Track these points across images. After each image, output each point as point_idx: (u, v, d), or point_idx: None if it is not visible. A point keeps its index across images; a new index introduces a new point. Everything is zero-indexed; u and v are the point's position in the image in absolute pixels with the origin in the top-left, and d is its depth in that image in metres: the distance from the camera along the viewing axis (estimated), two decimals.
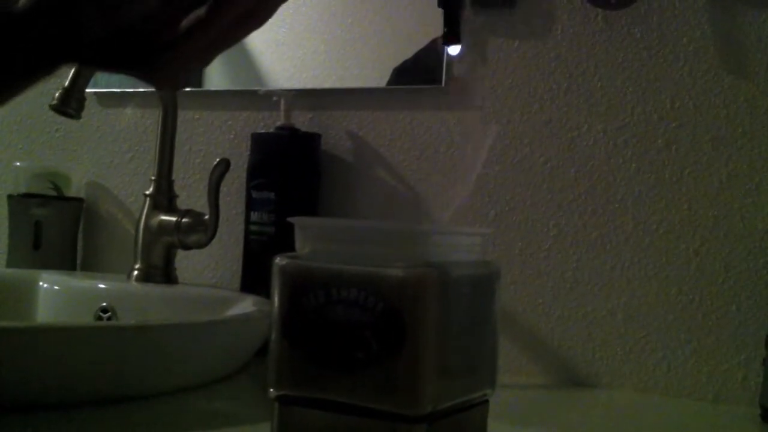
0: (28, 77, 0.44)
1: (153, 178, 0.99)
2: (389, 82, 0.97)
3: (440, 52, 0.94)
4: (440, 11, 0.93)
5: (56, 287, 1.01)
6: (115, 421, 0.62)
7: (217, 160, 0.95)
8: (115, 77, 1.12)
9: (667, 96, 0.84)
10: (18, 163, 1.17)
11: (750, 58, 0.81)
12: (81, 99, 0.94)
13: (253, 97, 1.03)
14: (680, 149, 0.84)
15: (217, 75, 1.07)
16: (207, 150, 1.09)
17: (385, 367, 0.47)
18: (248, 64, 1.04)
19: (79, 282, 1.02)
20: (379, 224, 0.60)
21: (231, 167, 0.95)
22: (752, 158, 0.81)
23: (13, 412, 0.59)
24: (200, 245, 0.96)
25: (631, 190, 0.85)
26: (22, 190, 1.13)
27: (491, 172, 0.90)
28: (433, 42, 0.94)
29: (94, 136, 1.18)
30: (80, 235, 1.16)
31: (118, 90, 1.15)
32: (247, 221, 0.97)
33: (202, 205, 0.98)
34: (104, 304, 0.95)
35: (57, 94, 0.93)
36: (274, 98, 1.00)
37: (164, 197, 0.98)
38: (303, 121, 1.01)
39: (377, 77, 0.98)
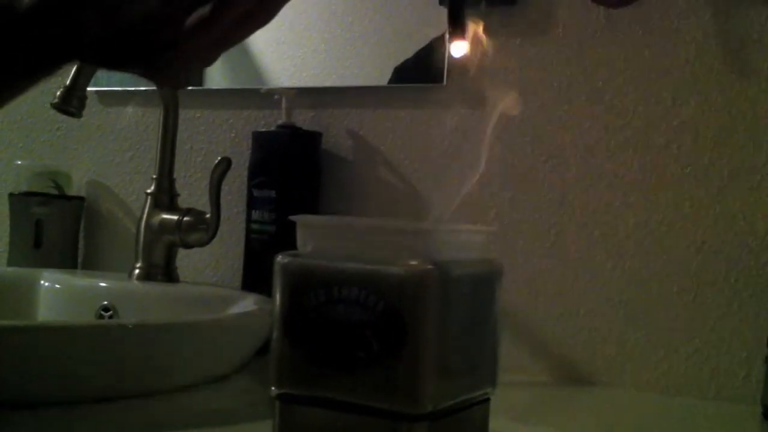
0: (28, 77, 0.44)
1: (154, 176, 0.99)
2: (390, 81, 0.97)
3: (441, 51, 0.93)
4: (441, 9, 0.93)
5: (57, 286, 1.01)
6: (116, 419, 0.62)
7: (219, 158, 0.95)
8: (116, 76, 1.12)
9: (669, 94, 0.84)
10: (19, 162, 1.17)
11: (752, 57, 0.81)
12: (82, 97, 0.94)
13: (254, 95, 1.03)
14: (682, 148, 0.83)
15: (218, 73, 1.07)
16: (208, 148, 1.09)
17: (385, 366, 0.47)
18: (249, 62, 1.04)
19: (80, 281, 1.02)
20: (380, 223, 0.60)
21: (232, 166, 0.95)
22: (754, 156, 0.81)
23: (14, 410, 0.59)
24: (201, 244, 0.96)
25: (632, 189, 0.85)
26: (23, 188, 1.13)
27: (492, 170, 0.90)
28: (435, 41, 0.94)
29: (95, 134, 1.18)
30: (81, 234, 1.16)
31: (119, 89, 1.15)
32: (248, 220, 0.97)
33: (203, 203, 0.98)
34: (105, 302, 0.95)
35: (58, 93, 0.93)
36: (275, 97, 1.00)
37: (165, 196, 0.98)
38: (304, 119, 1.01)
39: (378, 76, 0.98)
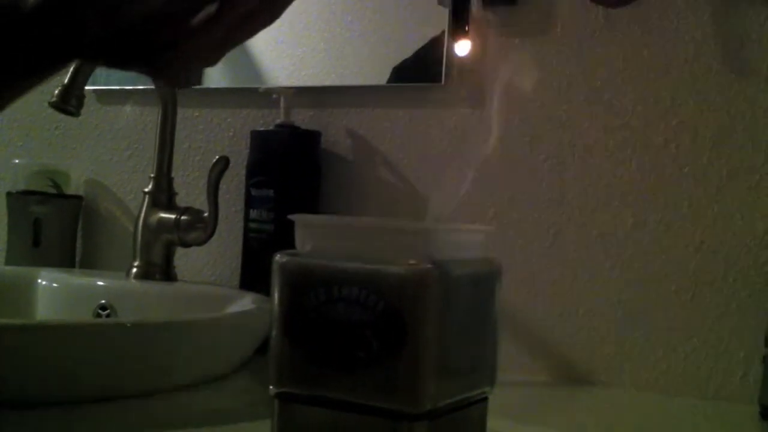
0: (28, 77, 0.44)
1: (152, 175, 0.99)
2: (389, 81, 0.97)
3: (440, 50, 0.93)
4: (440, 9, 0.93)
5: (55, 285, 1.01)
6: (114, 418, 0.62)
7: (217, 157, 0.95)
8: (115, 75, 1.11)
9: (668, 94, 0.84)
10: (17, 161, 1.17)
11: (750, 57, 0.81)
12: (80, 96, 0.94)
13: (253, 94, 1.03)
14: (680, 147, 0.83)
15: (216, 72, 1.07)
16: (206, 147, 1.09)
17: (385, 366, 0.47)
18: (248, 61, 1.04)
19: (78, 279, 1.02)
20: (379, 222, 0.60)
21: (230, 165, 0.95)
22: (752, 156, 0.81)
23: (12, 409, 0.59)
24: (199, 243, 0.96)
25: (630, 188, 0.85)
26: (21, 187, 1.12)
27: (491, 169, 0.90)
28: (434, 40, 0.94)
29: (93, 133, 1.18)
30: (79, 233, 1.16)
31: (118, 87, 1.14)
32: (247, 219, 0.97)
33: (201, 202, 0.98)
34: (103, 301, 0.95)
35: (56, 92, 0.92)
36: (274, 96, 1.00)
37: (163, 195, 0.98)
38: (303, 118, 1.01)
39: (377, 75, 0.98)
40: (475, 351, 0.53)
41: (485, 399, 0.54)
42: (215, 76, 1.07)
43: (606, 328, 0.85)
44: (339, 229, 0.53)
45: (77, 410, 0.62)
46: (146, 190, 0.99)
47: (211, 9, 0.44)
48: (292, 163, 0.97)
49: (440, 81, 0.93)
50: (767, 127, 0.80)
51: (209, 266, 1.07)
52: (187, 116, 1.08)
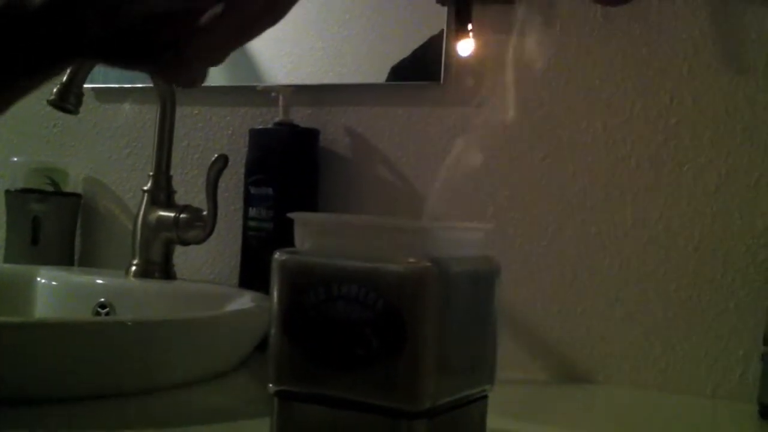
0: (28, 77, 0.44)
1: (151, 173, 0.99)
2: (388, 80, 0.97)
3: (439, 49, 0.93)
4: (438, 8, 0.93)
5: (54, 283, 1.01)
6: (113, 416, 0.62)
7: (216, 155, 0.95)
8: (114, 73, 1.11)
9: (666, 92, 0.84)
10: (15, 159, 1.17)
11: (749, 55, 0.81)
12: (79, 94, 0.94)
13: (252, 92, 1.03)
14: (679, 145, 0.84)
15: (215, 71, 1.06)
16: (205, 146, 1.09)
17: (385, 364, 0.47)
18: (247, 59, 1.04)
19: (76, 277, 1.02)
20: (379, 220, 0.60)
21: (229, 163, 0.95)
22: (751, 154, 0.81)
23: (10, 407, 0.59)
24: (198, 241, 0.96)
25: (629, 187, 0.85)
26: (20, 185, 1.12)
27: (490, 167, 0.90)
28: (433, 39, 0.94)
29: (91, 131, 1.18)
30: (78, 231, 1.16)
31: (116, 85, 1.14)
32: (246, 217, 0.97)
33: (200, 200, 0.98)
34: (102, 299, 0.95)
35: (55, 90, 0.92)
36: (273, 94, 1.00)
37: (162, 193, 0.98)
38: (301, 117, 1.01)
39: (375, 73, 0.98)
40: (475, 349, 0.53)
41: (485, 397, 0.54)
42: (214, 75, 1.07)
43: (605, 326, 0.85)
44: (338, 227, 0.53)
45: (76, 408, 0.62)
46: (145, 188, 0.99)
47: (217, 9, 0.44)
48: (290, 161, 0.97)
49: (439, 79, 0.94)
50: (766, 126, 0.80)
51: (208, 264, 1.07)
52: (185, 114, 1.08)
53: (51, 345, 0.62)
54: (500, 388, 0.55)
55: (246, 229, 0.97)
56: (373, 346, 0.47)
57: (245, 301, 0.84)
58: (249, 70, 1.05)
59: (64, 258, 1.12)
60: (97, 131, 1.17)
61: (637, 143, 0.85)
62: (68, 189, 1.15)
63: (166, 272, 0.98)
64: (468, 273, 0.51)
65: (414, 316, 0.47)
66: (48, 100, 0.93)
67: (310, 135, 0.99)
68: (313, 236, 0.51)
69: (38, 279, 1.01)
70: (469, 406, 0.53)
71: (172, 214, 0.96)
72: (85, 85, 0.95)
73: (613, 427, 0.73)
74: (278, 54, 1.03)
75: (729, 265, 0.81)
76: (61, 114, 0.97)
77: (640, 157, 0.85)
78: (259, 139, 0.99)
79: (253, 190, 0.97)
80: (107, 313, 0.94)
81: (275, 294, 0.50)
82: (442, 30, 0.93)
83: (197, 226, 0.95)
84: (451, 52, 0.93)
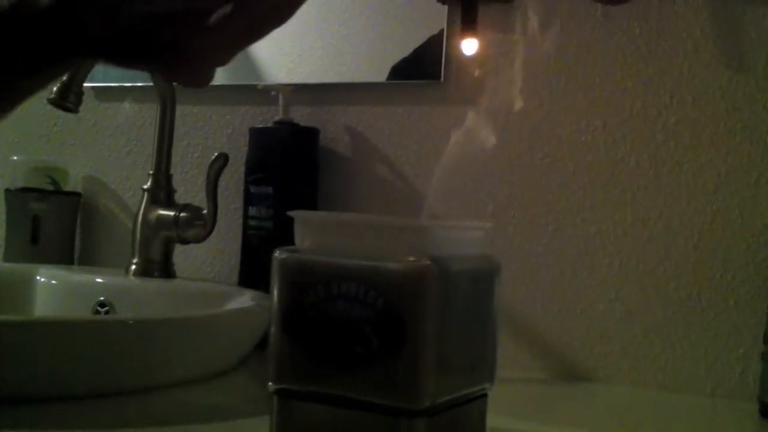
0: (28, 77, 0.44)
1: (151, 172, 0.99)
2: (388, 79, 0.97)
3: (439, 48, 0.93)
4: (439, 6, 0.93)
5: (54, 282, 1.01)
6: (113, 414, 0.62)
7: (216, 154, 0.95)
8: (114, 72, 1.11)
9: (666, 91, 0.84)
10: (15, 157, 1.17)
11: (749, 54, 0.81)
12: (79, 93, 0.94)
13: (252, 91, 1.03)
14: (679, 144, 0.84)
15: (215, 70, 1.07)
16: (205, 144, 1.09)
17: (384, 363, 0.47)
18: (247, 58, 1.04)
19: (76, 276, 1.02)
20: (379, 218, 0.60)
21: (229, 162, 0.95)
22: (751, 153, 0.81)
23: (10, 406, 0.59)
24: (198, 240, 0.96)
25: (629, 185, 0.85)
26: (20, 184, 1.12)
27: (490, 166, 0.90)
28: (433, 38, 0.94)
29: (91, 130, 1.18)
30: (78, 230, 1.16)
31: (116, 84, 1.14)
32: (246, 216, 0.97)
33: (200, 199, 0.98)
34: (102, 298, 0.95)
35: (55, 88, 0.92)
36: (273, 93, 1.00)
37: (162, 192, 0.98)
38: (301, 115, 1.01)
39: (376, 72, 0.98)
40: (475, 348, 0.53)
41: (485, 396, 0.54)
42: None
43: (605, 324, 0.85)
44: (338, 225, 0.53)
45: (76, 407, 0.62)
46: (145, 187, 0.99)
47: (226, 9, 0.44)
48: (290, 160, 0.97)
49: (439, 78, 0.94)
50: (766, 125, 0.80)
51: (208, 263, 1.07)
52: (185, 113, 1.08)
53: (51, 344, 0.62)
54: (500, 386, 0.55)
55: (246, 227, 0.97)
56: (372, 345, 0.47)
57: (245, 299, 0.84)
58: (249, 69, 1.05)
59: (63, 257, 1.12)
60: (97, 130, 1.17)
61: (636, 142, 0.85)
62: (68, 188, 1.15)
63: (166, 271, 0.98)
64: (468, 272, 0.51)
65: (414, 314, 0.47)
66: (48, 99, 0.93)
67: (310, 134, 0.99)
68: (313, 235, 0.51)
69: (38, 278, 1.01)
70: (469, 405, 0.52)
71: (172, 213, 0.97)
72: (85, 84, 0.95)
73: (613, 425, 0.73)
74: (278, 53, 1.03)
75: (729, 264, 0.81)
76: (61, 113, 0.97)
77: (639, 156, 0.85)
78: (259, 138, 0.99)
79: (253, 188, 0.97)
80: (107, 312, 0.94)
81: (275, 292, 0.50)
82: (443, 29, 0.93)
83: (197, 224, 0.95)
84: (452, 50, 0.93)
